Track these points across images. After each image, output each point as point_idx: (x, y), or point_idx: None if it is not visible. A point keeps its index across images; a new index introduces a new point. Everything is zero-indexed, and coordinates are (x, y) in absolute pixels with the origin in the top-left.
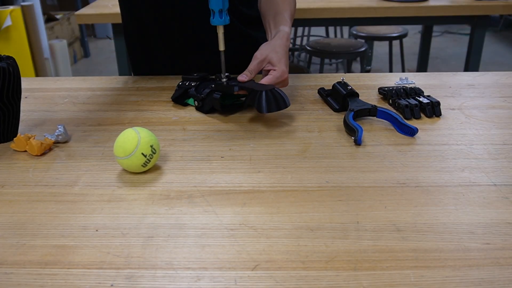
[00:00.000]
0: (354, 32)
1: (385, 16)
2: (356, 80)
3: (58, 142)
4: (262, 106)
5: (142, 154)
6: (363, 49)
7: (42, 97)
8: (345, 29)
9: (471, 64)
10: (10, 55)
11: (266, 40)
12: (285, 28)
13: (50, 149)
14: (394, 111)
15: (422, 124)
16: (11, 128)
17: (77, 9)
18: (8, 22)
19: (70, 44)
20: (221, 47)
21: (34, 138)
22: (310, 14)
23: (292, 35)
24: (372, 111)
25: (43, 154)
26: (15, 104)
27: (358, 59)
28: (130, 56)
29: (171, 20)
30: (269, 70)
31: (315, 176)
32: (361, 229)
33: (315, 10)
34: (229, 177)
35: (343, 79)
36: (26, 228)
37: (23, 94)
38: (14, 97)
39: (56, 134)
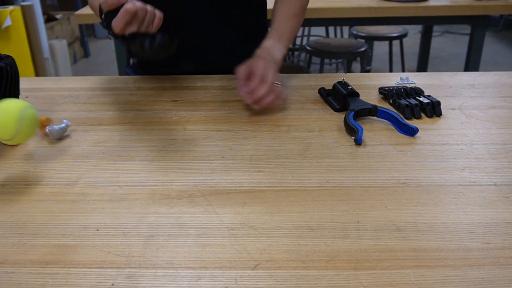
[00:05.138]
0: (354, 32)
1: (385, 16)
2: (357, 80)
3: (61, 138)
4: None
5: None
6: (363, 49)
7: (42, 97)
8: (345, 29)
9: (471, 64)
10: (10, 55)
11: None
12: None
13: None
14: (395, 111)
15: (422, 124)
16: None
17: (77, 9)
18: (8, 22)
19: (70, 44)
20: None
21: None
22: (310, 14)
23: None
24: (373, 111)
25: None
26: None
27: (358, 59)
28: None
29: (170, 24)
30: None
31: (315, 176)
32: (362, 229)
33: (315, 10)
34: (230, 176)
35: (343, 79)
36: (27, 228)
37: (23, 94)
38: (11, 96)
39: (61, 126)
